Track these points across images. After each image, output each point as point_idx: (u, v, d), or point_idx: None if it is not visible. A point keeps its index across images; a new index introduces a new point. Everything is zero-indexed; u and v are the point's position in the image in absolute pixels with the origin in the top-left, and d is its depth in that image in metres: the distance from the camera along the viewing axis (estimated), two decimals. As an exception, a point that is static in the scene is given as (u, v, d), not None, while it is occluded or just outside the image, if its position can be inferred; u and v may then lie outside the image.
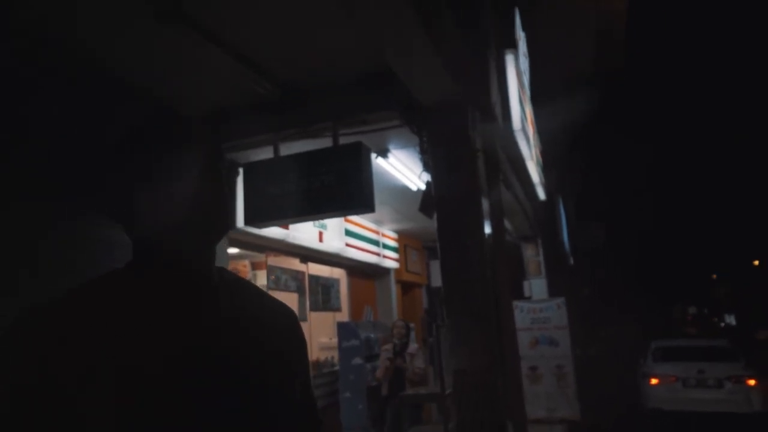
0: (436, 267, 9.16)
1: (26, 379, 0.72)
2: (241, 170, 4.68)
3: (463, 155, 3.64)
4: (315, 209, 4.16)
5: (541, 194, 6.78)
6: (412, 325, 7.56)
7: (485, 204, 3.77)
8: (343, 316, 7.58)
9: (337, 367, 6.66)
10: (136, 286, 0.86)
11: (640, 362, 10.94)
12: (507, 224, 7.23)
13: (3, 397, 0.73)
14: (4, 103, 2.96)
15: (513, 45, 4.77)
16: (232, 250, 5.20)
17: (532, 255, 8.56)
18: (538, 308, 7.07)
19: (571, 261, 12.34)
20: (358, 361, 6.35)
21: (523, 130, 4.62)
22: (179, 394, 0.77)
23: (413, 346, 6.22)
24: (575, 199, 13.78)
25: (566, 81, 7.34)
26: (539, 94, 6.61)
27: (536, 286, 8.45)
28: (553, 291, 8.52)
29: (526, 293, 8.42)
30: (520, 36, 5.34)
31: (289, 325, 1.03)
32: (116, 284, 0.86)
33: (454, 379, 3.59)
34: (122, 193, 0.88)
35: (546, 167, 7.40)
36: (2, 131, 2.92)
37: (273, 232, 5.22)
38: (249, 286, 1.03)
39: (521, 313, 6.86)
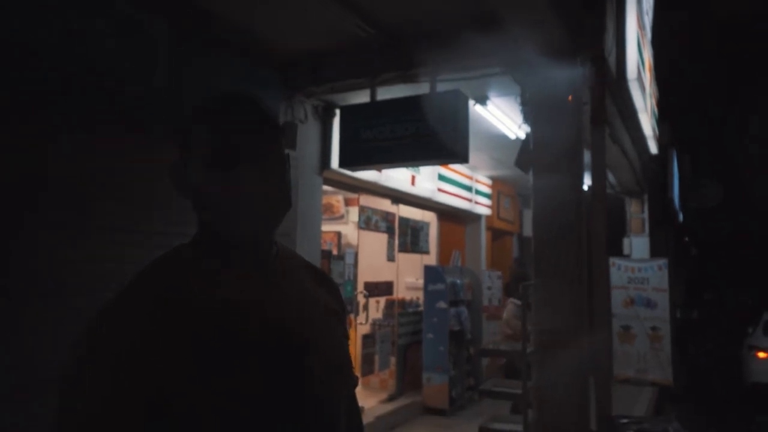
0: (529, 216, 8.91)
1: (122, 352, 0.77)
2: (337, 112, 4.73)
3: (567, 108, 3.41)
4: (408, 156, 4.13)
5: (653, 148, 6.25)
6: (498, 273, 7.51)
7: (586, 158, 3.54)
8: (431, 259, 7.66)
9: (421, 308, 6.82)
10: (205, 263, 0.90)
11: (748, 332, 10.20)
12: (610, 177, 6.79)
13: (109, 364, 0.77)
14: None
15: (637, -18, 4.28)
16: (326, 188, 5.35)
17: (636, 212, 8.03)
18: (636, 267, 6.73)
19: (681, 218, 11.48)
20: (442, 305, 6.45)
21: (639, 79, 4.21)
22: (245, 352, 0.84)
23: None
24: (693, 154, 12.62)
25: (698, 21, 6.53)
26: (663, 34, 5.95)
27: (637, 244, 7.98)
28: (656, 251, 8.01)
29: (626, 251, 7.99)
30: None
31: (331, 291, 1.11)
32: (186, 261, 0.91)
33: (538, 339, 3.55)
34: (187, 170, 0.90)
35: (662, 117, 6.77)
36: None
37: (366, 174, 5.28)
38: (297, 257, 1.10)
39: (618, 271, 6.58)
